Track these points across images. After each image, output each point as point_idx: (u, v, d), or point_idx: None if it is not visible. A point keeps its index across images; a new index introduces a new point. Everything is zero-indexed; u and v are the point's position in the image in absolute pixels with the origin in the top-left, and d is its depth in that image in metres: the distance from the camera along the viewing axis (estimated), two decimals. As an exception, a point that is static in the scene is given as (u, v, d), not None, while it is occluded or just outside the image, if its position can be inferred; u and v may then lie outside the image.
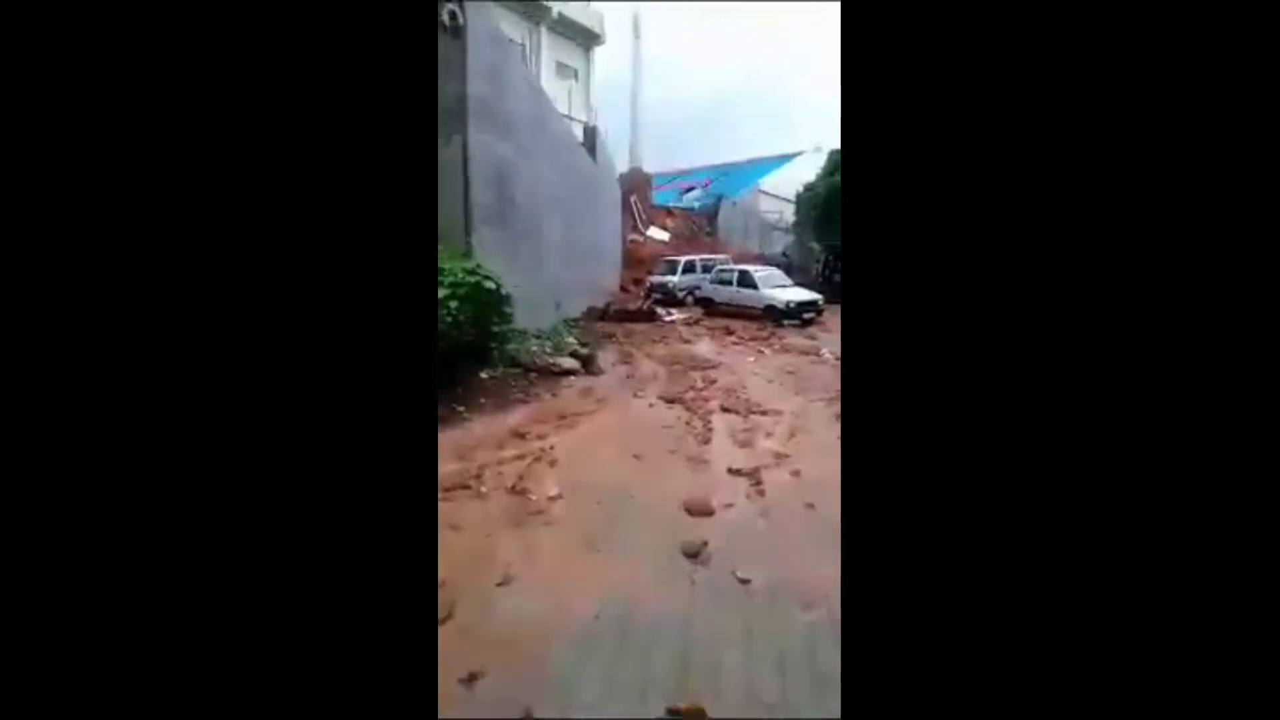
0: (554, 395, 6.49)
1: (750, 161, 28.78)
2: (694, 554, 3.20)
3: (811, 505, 3.82)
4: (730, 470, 4.38)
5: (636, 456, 4.65)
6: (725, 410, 5.99)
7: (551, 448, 4.74)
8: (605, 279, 14.98)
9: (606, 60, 22.60)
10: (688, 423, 5.56)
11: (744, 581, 2.96)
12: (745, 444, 5.01)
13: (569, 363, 7.61)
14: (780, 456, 4.70)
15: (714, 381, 7.29)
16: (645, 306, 12.96)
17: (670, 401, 6.30)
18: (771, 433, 5.33)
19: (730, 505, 3.80)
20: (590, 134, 13.13)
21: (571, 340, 8.58)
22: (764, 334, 10.85)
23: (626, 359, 8.76)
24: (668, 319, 12.51)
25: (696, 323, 12.27)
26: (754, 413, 5.92)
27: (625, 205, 21.09)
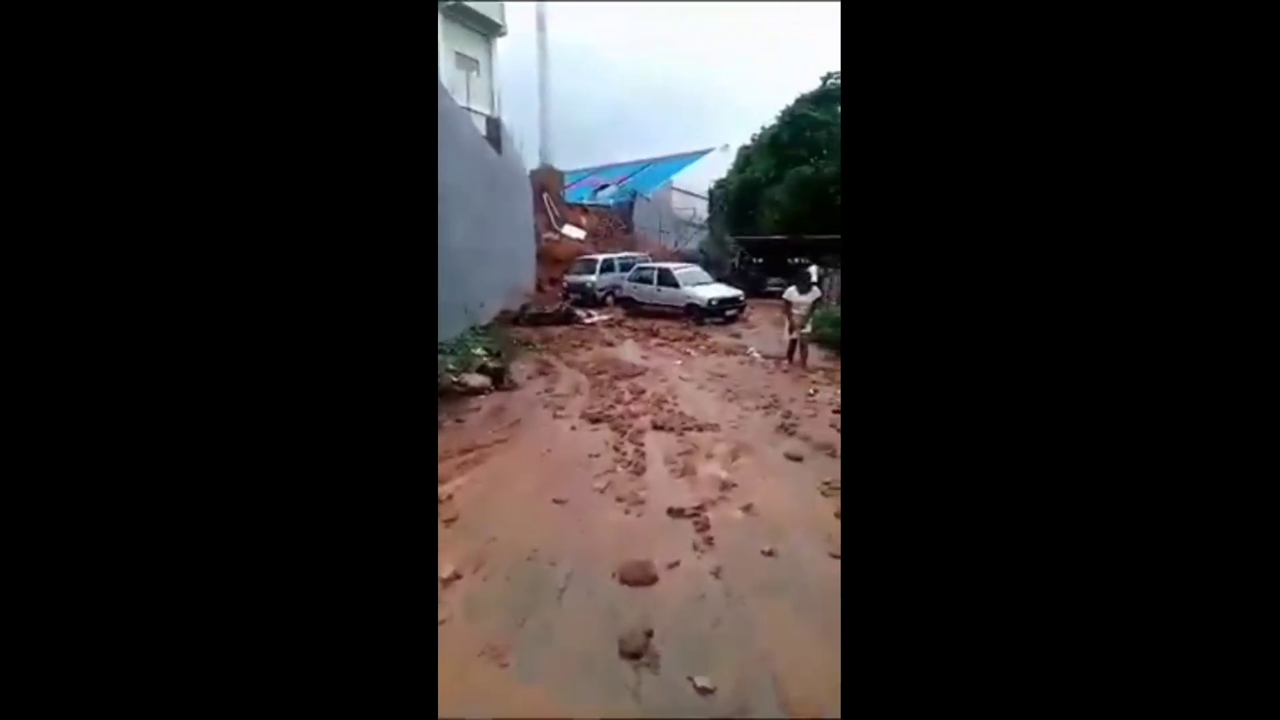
0: (458, 422, 5.43)
1: (663, 159, 28.36)
2: (636, 653, 2.34)
3: (771, 553, 3.07)
4: (671, 512, 3.56)
5: (558, 501, 3.74)
6: (658, 428, 5.18)
7: (450, 498, 3.74)
8: (520, 280, 13.86)
9: (511, 55, 21.37)
10: (617, 447, 4.69)
11: (704, 691, 2.14)
12: (684, 471, 4.21)
13: (477, 380, 6.55)
14: (726, 486, 3.93)
15: (642, 392, 6.46)
16: (563, 308, 11.97)
17: (596, 421, 5.41)
18: (712, 453, 4.57)
19: (675, 565, 2.98)
20: (494, 126, 11.94)
21: (481, 352, 7.48)
22: (689, 334, 10.17)
23: (545, 369, 7.78)
24: (588, 321, 11.61)
25: (619, 324, 11.43)
26: (689, 428, 5.15)
27: (538, 203, 19.98)
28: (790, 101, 17.12)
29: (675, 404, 5.97)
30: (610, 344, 9.65)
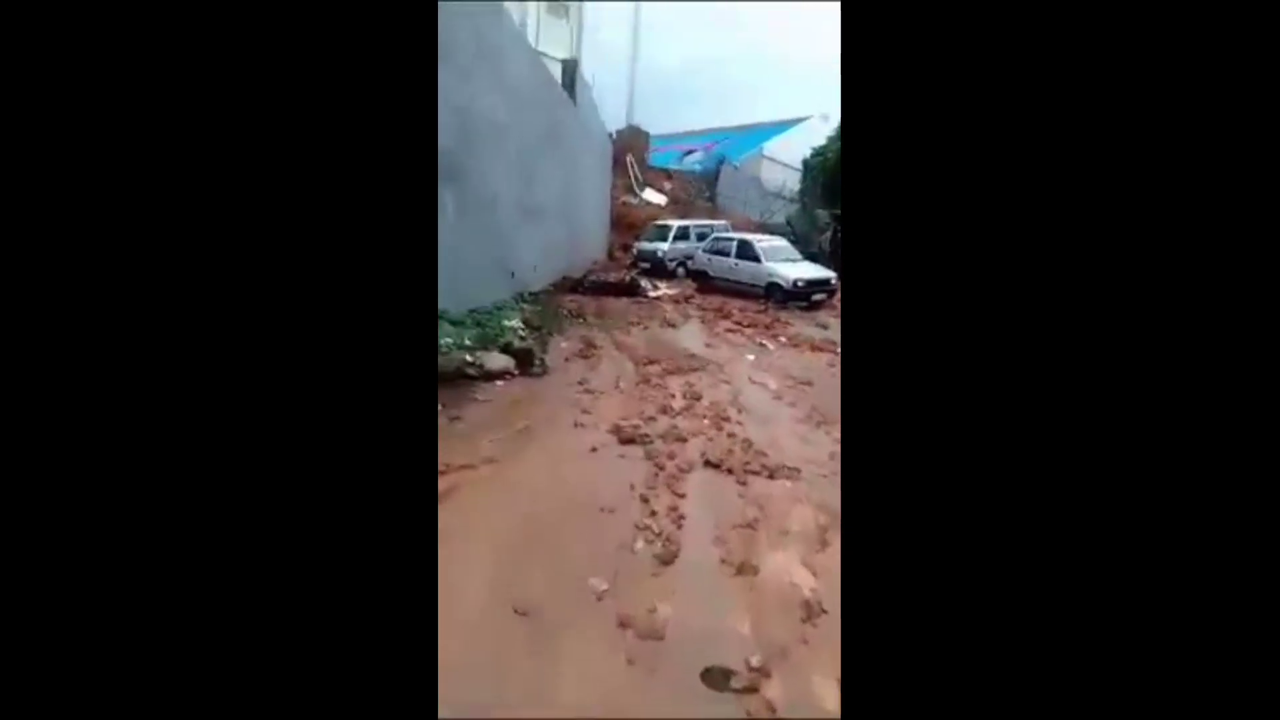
0: (453, 419, 3.93)
1: (754, 125, 25.70)
2: None
3: None
4: (709, 679, 1.84)
5: (521, 613, 2.10)
6: (711, 465, 3.43)
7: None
8: (588, 244, 12.30)
9: (604, 15, 19.48)
10: (645, 498, 3.00)
11: None
12: (742, 565, 2.46)
13: (498, 361, 5.02)
14: (812, 612, 2.16)
15: (698, 398, 4.71)
16: (627, 278, 10.30)
17: (628, 441, 3.73)
18: (787, 527, 2.78)
19: None
20: (570, 71, 10.16)
21: (514, 324, 5.95)
22: (766, 319, 8.23)
23: (588, 349, 6.16)
24: (652, 294, 9.92)
25: (686, 300, 9.65)
26: (756, 470, 3.37)
27: (620, 165, 18.30)
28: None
29: (739, 422, 4.18)
30: (672, 324, 7.92)
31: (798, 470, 3.42)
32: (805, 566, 2.49)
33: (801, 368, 5.95)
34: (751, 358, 6.32)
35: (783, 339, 7.23)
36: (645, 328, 7.65)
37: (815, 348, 6.80)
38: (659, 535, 2.66)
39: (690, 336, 7.22)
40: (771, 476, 3.34)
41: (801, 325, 8.00)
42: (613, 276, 10.58)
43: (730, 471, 3.36)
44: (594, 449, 3.60)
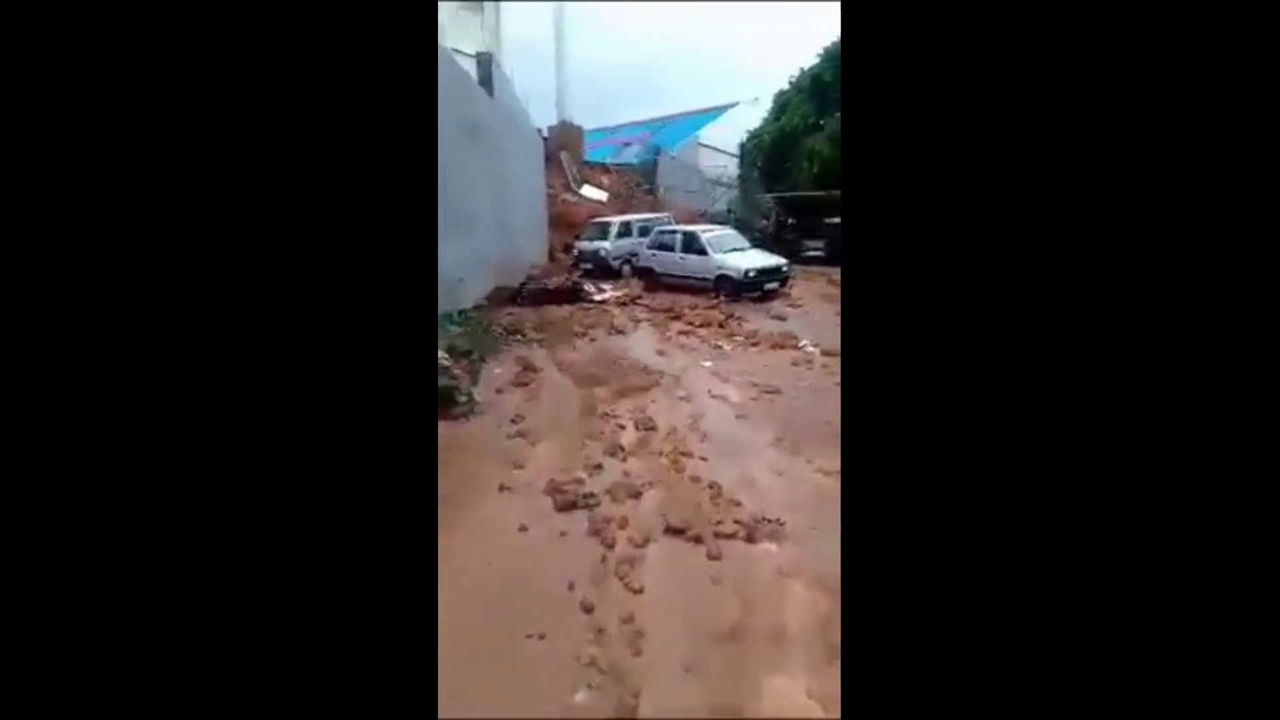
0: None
1: (688, 114, 25.09)
2: None
3: None
4: None
5: None
6: (673, 531, 2.63)
7: None
8: (525, 249, 11.29)
9: (524, 11, 18.36)
10: (587, 607, 2.17)
11: None
12: (731, 713, 1.67)
13: (411, 405, 4.03)
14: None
15: (652, 429, 3.91)
16: (569, 282, 9.41)
17: (567, 507, 2.88)
18: (781, 625, 2.02)
19: None
20: (485, 66, 9.09)
21: (439, 355, 4.98)
22: (720, 315, 7.52)
23: (526, 375, 5.28)
24: (598, 298, 9.06)
25: (634, 301, 8.86)
26: (728, 534, 2.60)
27: (555, 163, 17.29)
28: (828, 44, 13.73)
29: (703, 458, 3.41)
30: (621, 331, 7.11)
31: (781, 524, 2.67)
32: (812, 697, 1.73)
33: (765, 371, 5.24)
34: (709, 364, 5.58)
35: (740, 337, 6.53)
36: (592, 339, 6.82)
37: (776, 345, 6.12)
38: (608, 673, 1.84)
39: (641, 344, 6.44)
40: (750, 539, 2.58)
41: (758, 319, 7.33)
42: (554, 282, 9.64)
43: (698, 540, 2.57)
44: (523, 527, 2.74)
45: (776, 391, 4.67)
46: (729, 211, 16.19)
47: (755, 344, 6.23)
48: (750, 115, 18.85)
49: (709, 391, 4.72)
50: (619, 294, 9.26)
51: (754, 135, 16.37)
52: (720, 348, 6.17)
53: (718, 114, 23.37)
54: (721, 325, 7.06)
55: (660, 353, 6.06)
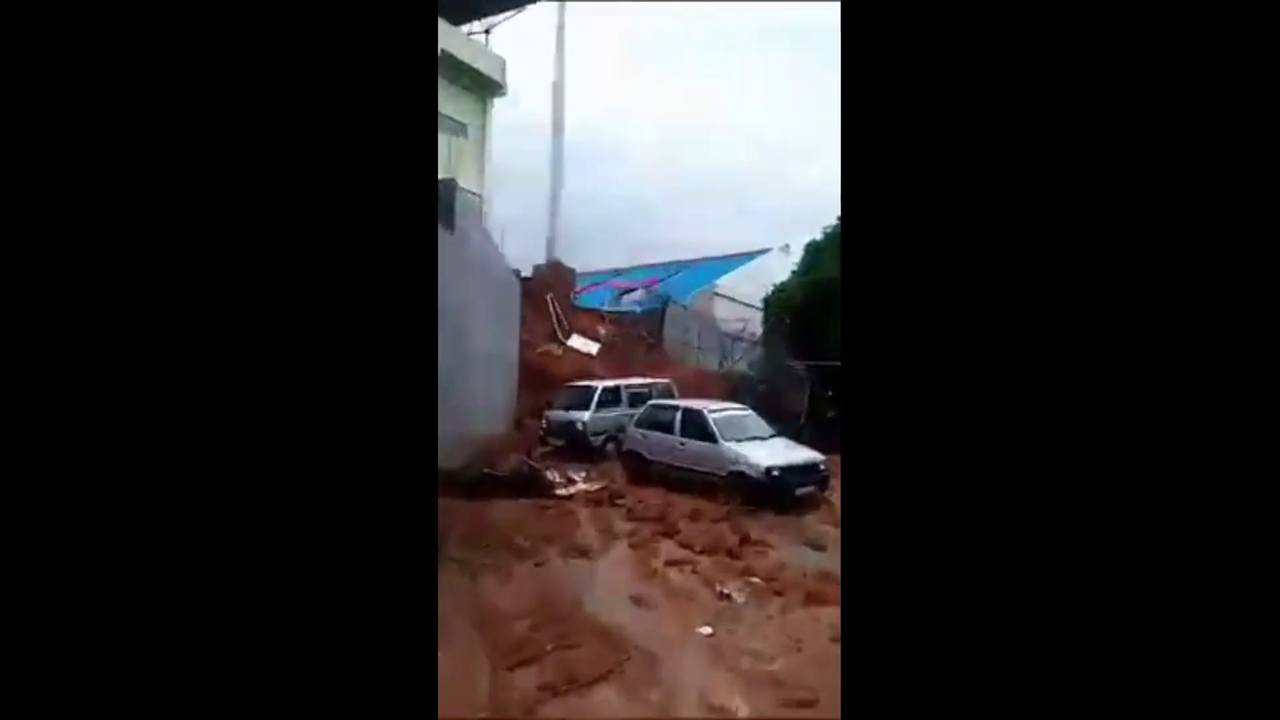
0: None
1: (705, 260, 26.37)
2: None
3: None
4: None
5: None
6: None
7: None
8: (479, 415, 10.60)
9: (517, 138, 20.24)
10: None
11: None
12: None
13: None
14: None
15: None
16: (525, 468, 8.53)
17: None
18: None
19: None
20: (448, 192, 9.23)
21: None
22: (731, 535, 6.49)
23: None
24: (563, 490, 8.16)
25: (611, 500, 8.00)
26: None
27: (538, 308, 17.48)
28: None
29: None
30: (585, 551, 6.08)
31: None
32: None
33: (794, 652, 4.07)
34: (708, 631, 4.41)
35: (758, 578, 5.40)
36: (540, 562, 5.75)
37: (812, 596, 4.96)
38: None
39: (611, 580, 5.43)
40: None
41: (786, 545, 6.24)
42: (507, 465, 8.79)
43: None
44: None
45: (813, 703, 3.46)
46: (750, 373, 15.84)
47: (781, 592, 5.10)
48: (779, 265, 19.57)
49: (702, 697, 3.51)
50: (593, 487, 8.60)
51: (781, 288, 16.68)
52: (729, 597, 5.04)
53: (741, 262, 24.44)
54: (732, 553, 6.00)
55: (637, 600, 4.97)
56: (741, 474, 7.80)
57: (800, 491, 7.64)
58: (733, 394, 12.91)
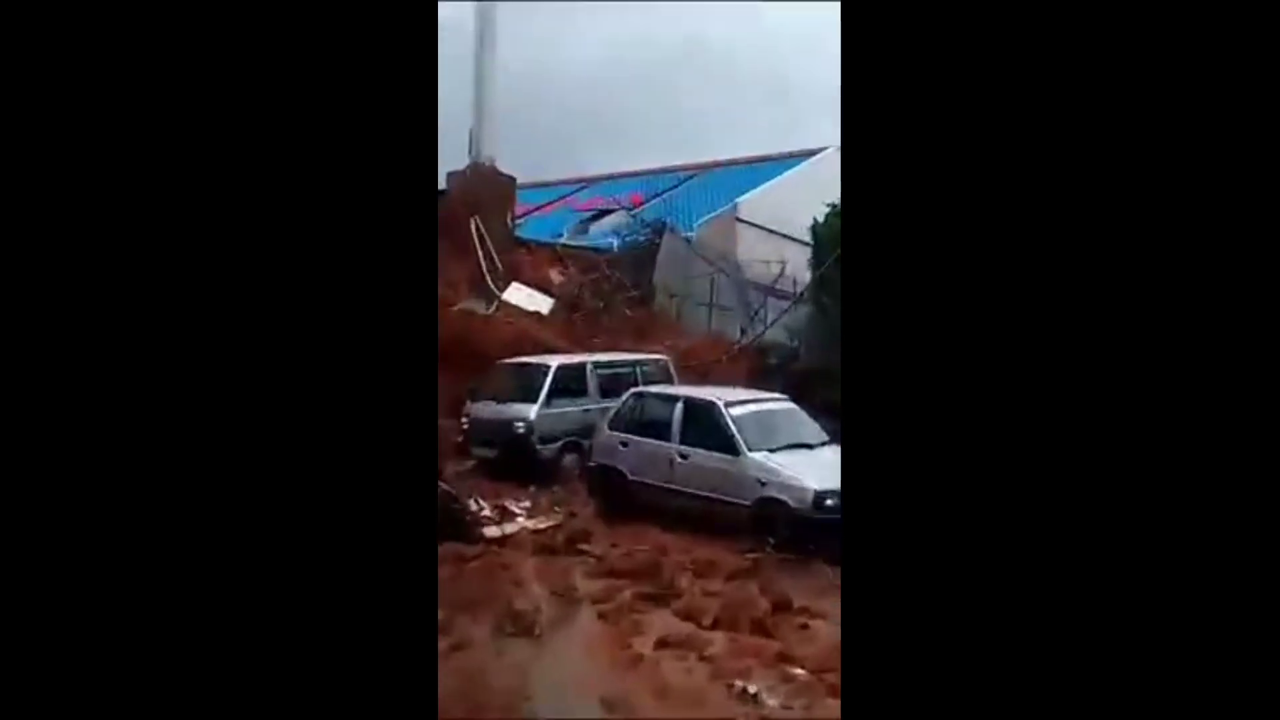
0: None
1: (718, 165, 26.36)
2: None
3: None
4: None
5: None
6: None
7: None
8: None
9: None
10: None
11: None
12: None
13: None
14: None
15: None
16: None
17: None
18: None
19: None
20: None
21: None
22: (763, 599, 6.63)
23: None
24: (493, 532, 8.54)
25: (571, 545, 8.28)
26: None
27: (457, 240, 17.31)
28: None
29: None
30: (529, 627, 6.18)
31: None
32: None
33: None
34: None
35: (800, 669, 5.36)
36: (457, 644, 5.76)
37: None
38: None
39: (566, 674, 5.42)
40: None
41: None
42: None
43: None
44: None
45: None
46: (791, 342, 15.83)
47: (838, 691, 5.05)
48: (827, 175, 19.36)
49: None
50: (542, 524, 9.09)
51: (838, 211, 16.60)
52: (754, 697, 5.07)
53: (778, 168, 24.49)
54: (763, 626, 6.12)
55: (609, 704, 5.00)
56: (778, 503, 8.14)
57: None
58: (763, 376, 12.92)
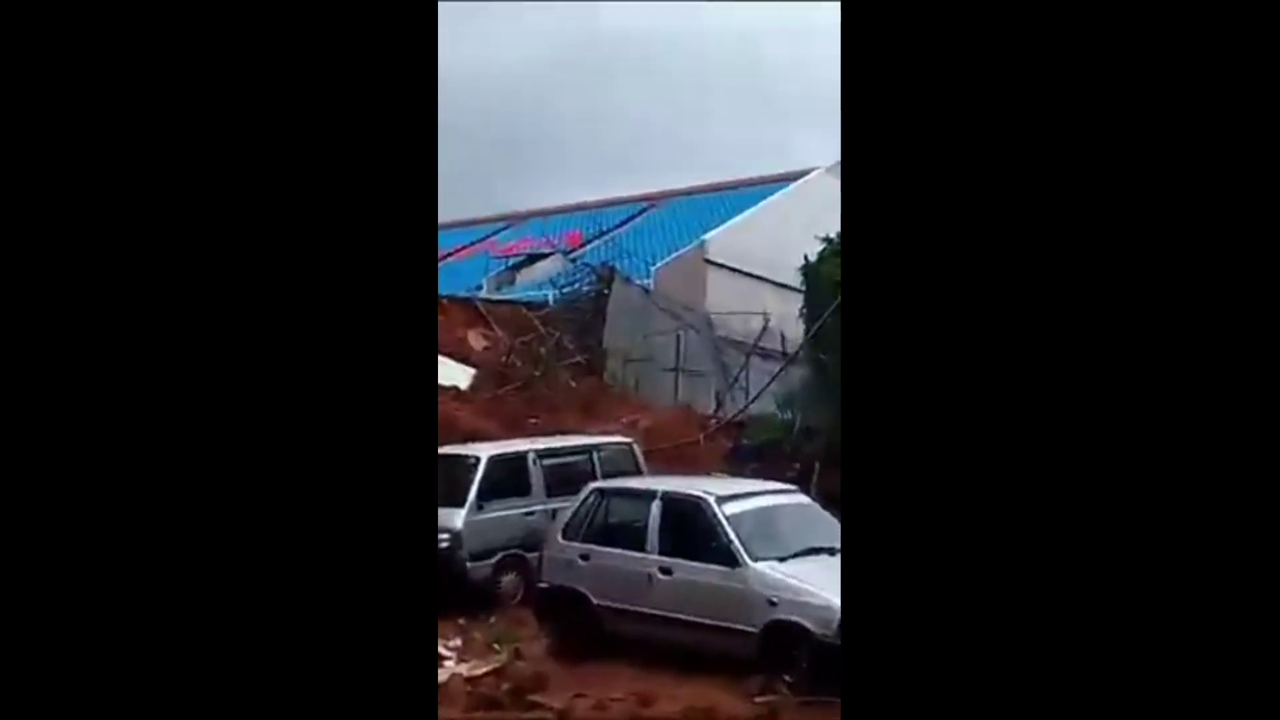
0: None
1: (680, 194, 26.52)
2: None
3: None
4: None
5: None
6: None
7: None
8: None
9: None
10: None
11: None
12: None
13: None
14: None
15: None
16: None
17: None
18: None
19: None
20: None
21: None
22: None
23: None
24: None
25: (517, 698, 8.06)
26: None
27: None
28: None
29: None
30: None
31: None
32: None
33: None
34: None
35: None
36: None
37: None
38: None
39: None
40: None
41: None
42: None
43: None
44: None
45: None
46: (783, 414, 15.67)
47: None
48: (820, 199, 19.45)
49: None
50: (478, 670, 9.16)
51: (836, 248, 16.65)
52: None
53: (756, 195, 24.72)
54: None
55: None
56: (794, 627, 8.15)
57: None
58: (752, 459, 12.73)
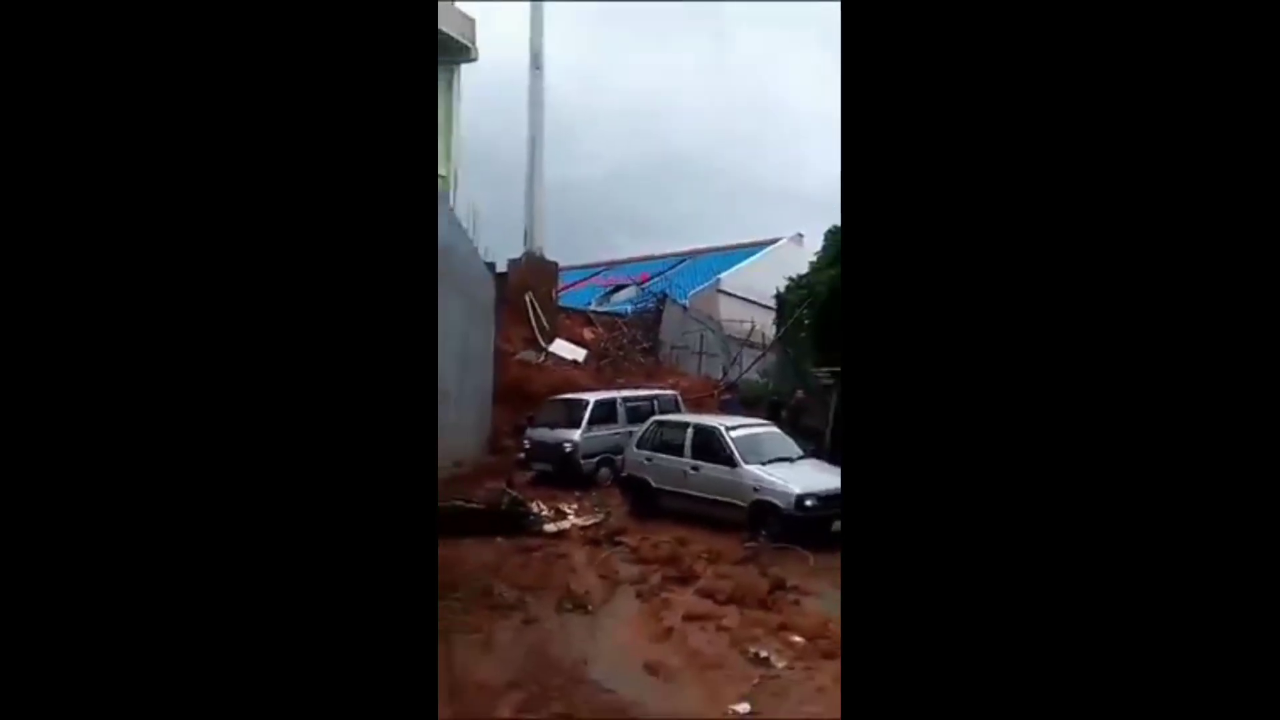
0: None
1: (706, 251, 26.24)
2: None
3: None
4: None
5: None
6: None
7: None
8: (451, 435, 10.20)
9: (488, 124, 20.02)
10: None
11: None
12: None
13: None
14: None
15: None
16: (505, 497, 8.17)
17: None
18: None
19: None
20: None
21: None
22: (762, 580, 6.15)
23: None
24: (551, 527, 7.92)
25: (612, 539, 7.66)
26: None
27: (514, 309, 17.07)
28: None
29: None
30: (582, 604, 5.67)
31: None
32: None
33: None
34: (745, 709, 4.00)
35: (798, 636, 4.99)
36: (528, 619, 5.33)
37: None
38: None
39: (616, 640, 5.01)
40: None
41: (828, 591, 5.82)
42: (482, 494, 8.42)
43: None
44: None
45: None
46: (763, 382, 15.50)
47: (831, 653, 4.68)
48: (792, 257, 19.34)
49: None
50: (588, 522, 8.37)
51: (799, 283, 16.35)
52: (765, 661, 4.62)
53: (749, 254, 24.28)
54: (765, 604, 5.62)
55: (651, 668, 4.53)
56: (768, 504, 7.56)
57: (837, 525, 7.27)
58: (745, 407, 12.61)
